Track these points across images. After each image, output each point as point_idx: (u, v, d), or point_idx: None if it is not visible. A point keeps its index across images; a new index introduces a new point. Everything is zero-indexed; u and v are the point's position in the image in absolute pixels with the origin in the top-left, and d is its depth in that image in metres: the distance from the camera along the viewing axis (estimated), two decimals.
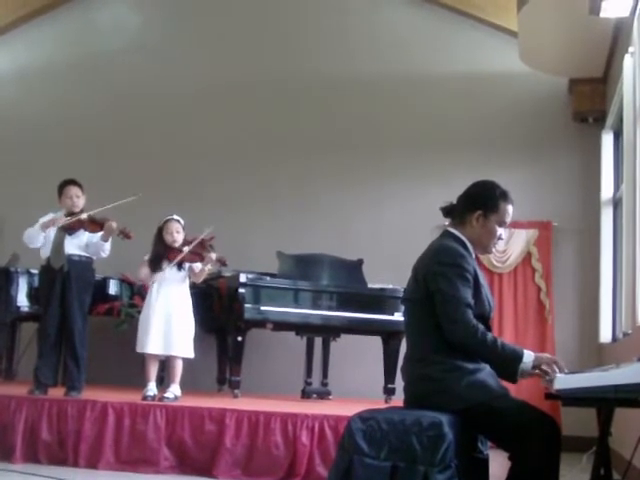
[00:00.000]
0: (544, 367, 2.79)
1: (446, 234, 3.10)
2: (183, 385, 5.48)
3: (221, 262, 5.58)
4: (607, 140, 7.28)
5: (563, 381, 2.56)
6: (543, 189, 7.52)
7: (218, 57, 8.39)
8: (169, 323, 5.33)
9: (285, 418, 4.77)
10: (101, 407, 4.99)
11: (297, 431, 4.71)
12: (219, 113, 8.26)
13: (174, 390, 5.37)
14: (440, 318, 2.89)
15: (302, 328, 6.39)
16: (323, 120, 8.14)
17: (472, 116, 7.83)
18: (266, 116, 8.19)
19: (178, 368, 5.43)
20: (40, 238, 5.42)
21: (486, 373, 2.89)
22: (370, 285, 6.46)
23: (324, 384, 6.85)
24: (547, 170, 7.59)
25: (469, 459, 2.92)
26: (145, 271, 5.47)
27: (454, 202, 3.17)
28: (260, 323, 6.07)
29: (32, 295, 6.54)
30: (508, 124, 7.75)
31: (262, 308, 5.97)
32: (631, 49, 5.46)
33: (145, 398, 5.21)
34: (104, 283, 6.83)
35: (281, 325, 6.19)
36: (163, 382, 5.93)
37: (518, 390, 3.35)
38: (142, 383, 5.40)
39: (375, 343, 6.48)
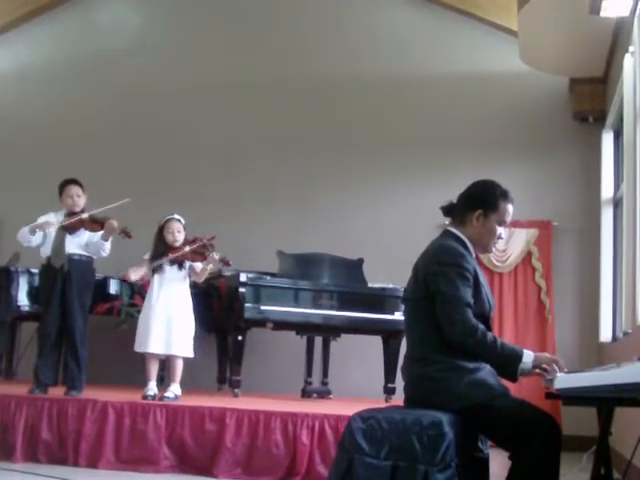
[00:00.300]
0: (544, 366, 2.79)
1: (446, 233, 3.10)
2: (183, 384, 5.48)
3: (224, 262, 5.57)
4: (607, 139, 7.27)
5: (563, 380, 2.56)
6: (543, 188, 7.53)
7: (218, 57, 8.39)
8: (169, 322, 5.33)
9: (285, 417, 4.77)
10: (101, 406, 4.99)
11: (297, 430, 4.71)
12: (219, 112, 8.26)
13: (174, 389, 5.37)
14: (440, 318, 2.89)
15: (302, 327, 6.40)
16: (323, 120, 8.14)
17: (472, 115, 7.84)
18: (266, 116, 8.19)
19: (178, 367, 5.43)
20: (34, 238, 5.40)
21: (486, 372, 2.89)
22: (370, 284, 6.47)
23: (324, 383, 6.85)
24: (547, 169, 7.59)
25: (469, 458, 2.92)
26: (140, 272, 5.45)
27: (454, 201, 3.17)
28: (260, 322, 6.08)
29: (32, 294, 6.54)
30: (508, 123, 7.75)
31: (262, 307, 5.97)
32: (631, 49, 5.46)
33: (145, 397, 5.21)
34: (104, 282, 6.82)
35: (281, 324, 6.20)
36: (163, 381, 5.93)
37: (518, 389, 3.35)
38: (142, 382, 5.40)
39: (375, 342, 6.48)
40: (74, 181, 5.57)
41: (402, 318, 4.65)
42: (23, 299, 6.58)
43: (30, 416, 5.03)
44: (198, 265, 5.48)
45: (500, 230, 3.08)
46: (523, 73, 7.48)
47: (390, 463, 2.65)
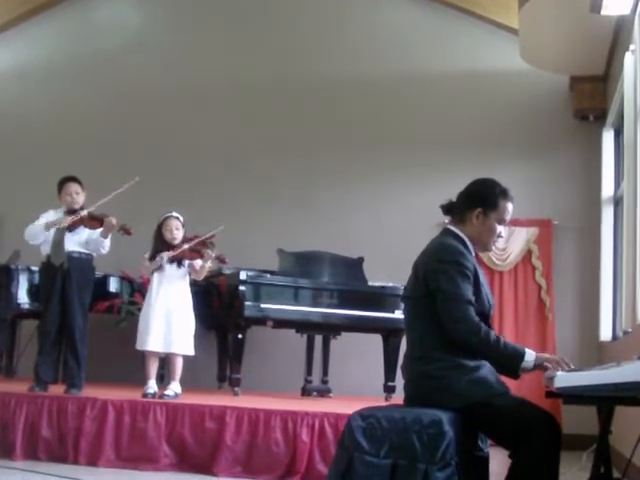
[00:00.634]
0: (546, 364, 2.79)
1: (446, 232, 3.10)
2: (183, 382, 5.49)
3: (220, 260, 5.59)
4: (608, 138, 7.27)
5: (564, 379, 2.55)
6: (543, 187, 7.52)
7: (218, 56, 8.37)
8: (169, 321, 5.33)
9: (285, 416, 4.77)
10: (101, 404, 4.99)
11: (297, 429, 4.71)
12: (219, 112, 8.25)
13: (174, 387, 5.37)
14: (442, 316, 2.88)
15: (302, 326, 6.40)
16: (323, 119, 8.14)
17: (473, 114, 7.83)
18: (266, 115, 8.18)
19: (178, 365, 5.43)
20: (42, 236, 5.43)
21: (486, 371, 2.89)
22: (370, 283, 6.46)
23: (324, 382, 6.86)
24: (548, 168, 7.59)
25: (469, 457, 2.91)
26: (146, 264, 5.47)
27: (454, 200, 3.17)
28: (260, 321, 6.07)
29: (32, 292, 6.53)
30: (509, 122, 7.75)
31: (262, 306, 5.97)
32: (632, 47, 5.45)
33: (145, 395, 5.22)
34: (104, 280, 6.81)
35: (281, 323, 6.20)
36: (163, 379, 5.93)
37: (518, 388, 3.34)
38: (142, 380, 5.40)
39: (375, 341, 6.48)
40: (73, 179, 5.57)
41: (402, 316, 4.64)
42: (23, 297, 6.57)
43: (30, 414, 5.03)
44: (197, 263, 5.48)
45: (500, 229, 3.08)
46: (523, 71, 7.48)
47: (390, 461, 2.65)
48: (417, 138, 7.93)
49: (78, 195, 5.53)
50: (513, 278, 7.45)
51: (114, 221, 5.36)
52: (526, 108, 7.71)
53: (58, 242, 5.42)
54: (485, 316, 2.98)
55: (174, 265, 5.42)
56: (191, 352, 5.43)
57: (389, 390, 6.26)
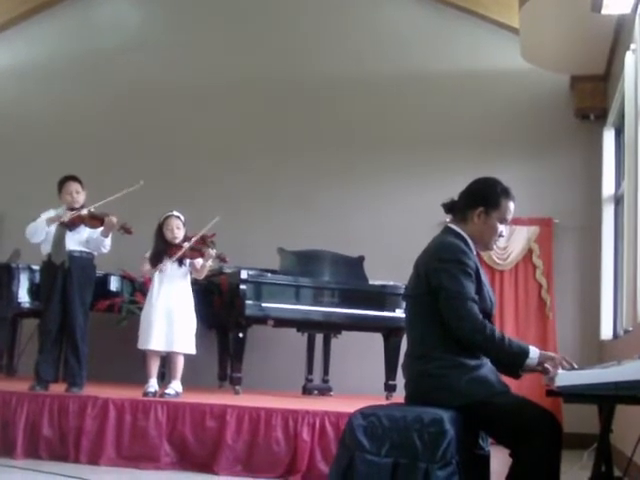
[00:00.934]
0: (546, 366, 2.80)
1: (447, 230, 3.10)
2: (184, 381, 5.49)
3: (220, 259, 5.59)
4: (608, 137, 7.27)
5: (564, 378, 2.56)
6: (544, 186, 7.52)
7: (219, 55, 8.37)
8: (171, 319, 5.33)
9: (286, 414, 4.77)
10: (102, 403, 4.99)
11: (298, 427, 4.72)
12: (220, 111, 8.25)
13: (175, 386, 5.37)
14: (446, 315, 2.88)
15: (303, 325, 6.40)
16: (324, 118, 8.13)
17: (474, 113, 7.83)
18: (267, 114, 8.18)
19: (179, 364, 5.43)
20: (43, 233, 5.43)
21: (487, 370, 2.90)
22: (371, 282, 6.47)
23: (325, 381, 6.86)
24: (548, 167, 7.59)
25: (470, 456, 2.92)
26: (147, 267, 5.47)
27: (455, 198, 3.17)
28: (261, 319, 6.08)
29: (33, 291, 6.54)
30: (510, 121, 7.75)
31: (263, 304, 5.97)
32: (633, 46, 5.45)
33: (146, 394, 5.22)
34: (105, 279, 6.81)
35: (282, 321, 6.20)
36: (164, 378, 5.94)
37: (519, 387, 3.34)
38: (143, 379, 5.41)
39: (376, 340, 6.48)
40: (73, 178, 5.58)
41: (403, 315, 4.64)
42: (24, 296, 6.58)
43: (31, 413, 5.04)
44: (198, 262, 5.48)
45: (501, 228, 3.08)
46: (524, 71, 7.48)
47: (391, 460, 2.65)
48: (418, 137, 7.92)
49: (78, 194, 5.53)
50: (514, 277, 7.45)
51: (114, 220, 5.36)
52: (527, 107, 7.71)
53: (59, 241, 5.42)
54: (487, 314, 2.98)
55: (175, 264, 5.42)
56: (192, 351, 5.43)
57: (390, 389, 6.27)
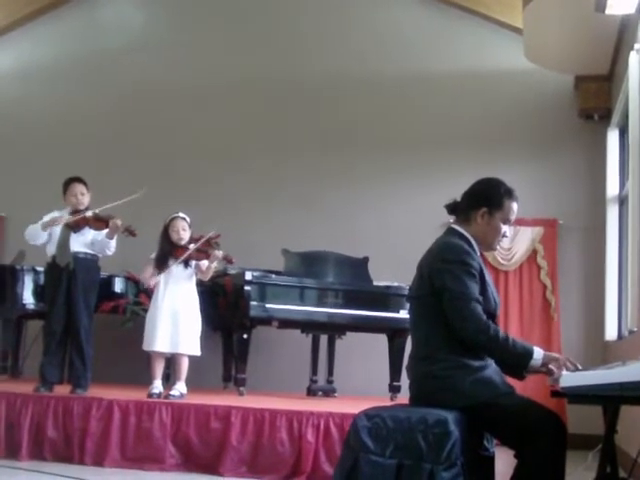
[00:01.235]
0: (550, 367, 2.79)
1: (451, 231, 3.09)
2: (189, 383, 5.49)
3: (227, 260, 5.60)
4: (613, 137, 7.26)
5: (569, 379, 2.55)
6: (548, 186, 7.51)
7: (220, 55, 8.37)
8: (176, 321, 5.33)
9: (290, 416, 4.77)
10: (107, 405, 5.00)
11: (302, 429, 4.72)
12: (221, 110, 8.25)
13: (180, 388, 5.38)
14: (450, 316, 2.88)
15: (308, 326, 6.40)
16: (328, 118, 8.13)
17: (477, 113, 7.82)
18: (270, 114, 8.19)
19: (184, 366, 5.43)
20: (43, 236, 5.44)
21: (492, 371, 2.89)
22: (375, 283, 6.46)
23: (329, 382, 6.86)
24: (552, 167, 7.58)
25: (475, 457, 2.91)
26: (149, 271, 5.46)
27: (458, 199, 3.17)
28: (266, 321, 6.08)
29: (38, 293, 6.55)
30: (513, 121, 7.74)
31: (267, 306, 5.97)
32: (637, 46, 5.45)
33: (151, 396, 5.22)
34: (110, 281, 6.82)
35: (287, 323, 6.20)
36: (169, 380, 5.94)
37: (524, 388, 3.34)
38: (148, 381, 5.41)
39: (381, 341, 6.48)
40: (78, 179, 5.58)
41: (407, 316, 4.64)
42: (28, 297, 6.59)
43: (36, 414, 5.05)
44: (204, 263, 5.48)
45: (505, 228, 3.08)
46: (528, 71, 7.47)
47: (395, 461, 2.64)
48: (421, 138, 7.91)
49: (83, 196, 5.54)
50: (518, 278, 7.44)
51: (119, 222, 5.37)
52: (531, 108, 7.70)
53: (64, 243, 5.43)
54: (491, 315, 2.97)
55: (180, 266, 5.43)
56: (197, 352, 5.43)
57: (394, 390, 6.26)
